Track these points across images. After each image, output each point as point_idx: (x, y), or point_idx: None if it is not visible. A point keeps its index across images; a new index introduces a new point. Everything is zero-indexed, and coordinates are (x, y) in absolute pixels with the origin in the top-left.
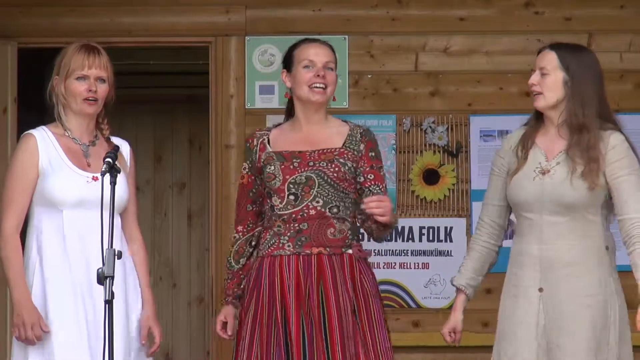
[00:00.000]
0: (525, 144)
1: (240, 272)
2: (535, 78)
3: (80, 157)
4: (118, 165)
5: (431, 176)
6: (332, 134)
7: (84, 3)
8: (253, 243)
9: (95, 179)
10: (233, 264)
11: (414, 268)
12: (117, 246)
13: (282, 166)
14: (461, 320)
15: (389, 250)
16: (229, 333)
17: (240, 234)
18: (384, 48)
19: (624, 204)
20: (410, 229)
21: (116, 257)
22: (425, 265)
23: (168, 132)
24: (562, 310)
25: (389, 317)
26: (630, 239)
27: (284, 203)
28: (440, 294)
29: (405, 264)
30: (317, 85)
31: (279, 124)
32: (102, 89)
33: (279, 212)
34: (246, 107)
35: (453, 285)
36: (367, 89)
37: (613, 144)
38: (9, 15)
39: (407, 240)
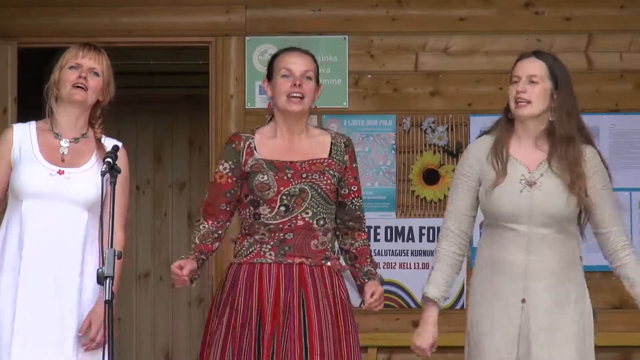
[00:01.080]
0: (500, 154)
1: (202, 247)
2: (524, 86)
3: (55, 151)
4: (118, 165)
5: (431, 176)
6: (315, 144)
7: (84, 3)
8: (216, 236)
9: (60, 172)
10: (197, 241)
11: (414, 268)
12: (81, 249)
13: (276, 177)
14: (437, 333)
15: (389, 250)
16: (185, 274)
17: (210, 225)
18: (384, 48)
19: (605, 217)
20: (410, 229)
21: (116, 257)
22: (425, 265)
23: (168, 132)
24: (545, 320)
25: (389, 317)
26: (617, 252)
27: (273, 213)
28: None
29: (405, 264)
30: (294, 94)
31: (258, 128)
32: (95, 81)
33: (265, 221)
34: (246, 107)
35: (427, 297)
36: (367, 89)
37: (588, 158)
38: (9, 15)
39: (407, 240)
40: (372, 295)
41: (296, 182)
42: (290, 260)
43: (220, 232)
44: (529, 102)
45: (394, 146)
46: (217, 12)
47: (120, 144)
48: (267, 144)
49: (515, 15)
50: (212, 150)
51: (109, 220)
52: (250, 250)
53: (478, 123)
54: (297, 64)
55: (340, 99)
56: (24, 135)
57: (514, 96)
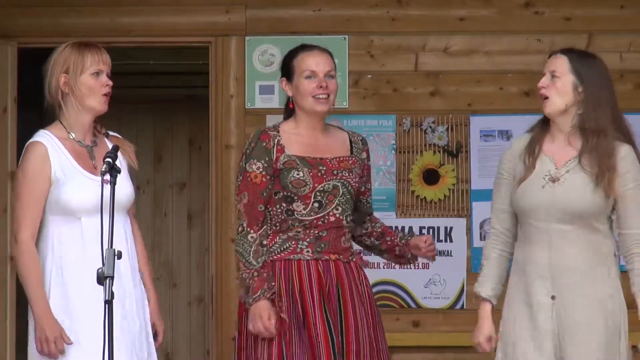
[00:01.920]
0: (532, 150)
1: (263, 270)
2: (545, 81)
3: (87, 160)
4: (118, 165)
5: (431, 176)
6: (337, 141)
7: (84, 3)
8: (263, 246)
9: (105, 182)
10: (254, 262)
11: (414, 268)
12: (125, 247)
13: (311, 173)
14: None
15: None
16: (273, 326)
17: (256, 234)
18: (384, 48)
19: (627, 218)
20: (410, 229)
21: (116, 257)
22: (425, 265)
23: (168, 132)
24: (575, 317)
25: (389, 317)
26: (632, 256)
27: (307, 210)
28: (440, 294)
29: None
30: (321, 95)
31: (281, 123)
32: (111, 85)
33: (300, 218)
34: (246, 107)
35: (480, 296)
36: (367, 89)
37: (622, 155)
38: (9, 15)
39: None
40: (425, 242)
41: (329, 178)
42: (326, 257)
43: (263, 238)
44: (546, 97)
45: (394, 146)
46: (217, 12)
47: (119, 137)
48: (294, 141)
49: (515, 15)
50: (212, 150)
51: (109, 221)
52: (285, 247)
53: (478, 123)
54: (320, 65)
55: (340, 99)
56: (55, 149)
57: (539, 92)
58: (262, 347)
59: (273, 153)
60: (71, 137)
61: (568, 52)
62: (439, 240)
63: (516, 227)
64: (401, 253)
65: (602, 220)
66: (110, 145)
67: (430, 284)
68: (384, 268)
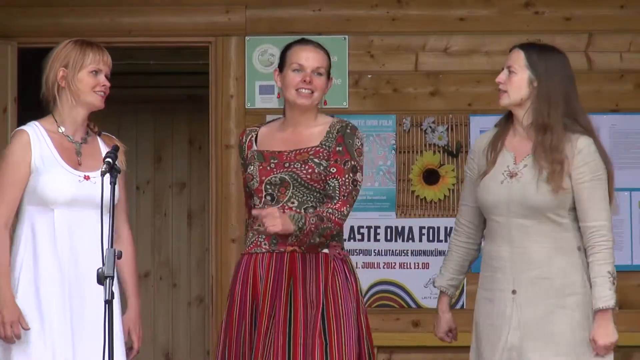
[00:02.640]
0: (495, 146)
1: None
2: (502, 76)
3: (72, 155)
4: (118, 165)
5: (431, 176)
6: (314, 133)
7: (84, 3)
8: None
9: (87, 178)
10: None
11: (414, 268)
12: (91, 246)
13: (260, 167)
14: (452, 319)
15: (389, 250)
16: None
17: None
18: (384, 48)
19: (586, 210)
20: (410, 229)
21: (116, 257)
22: (425, 265)
23: (168, 132)
24: (536, 311)
25: (389, 317)
26: (591, 248)
27: (261, 203)
28: None
29: (405, 264)
30: (304, 90)
31: (271, 121)
32: (108, 87)
33: (252, 216)
34: (246, 107)
35: (435, 287)
36: (367, 89)
37: (580, 148)
38: (9, 15)
39: (407, 240)
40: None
41: (278, 171)
42: (282, 249)
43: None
44: (505, 91)
45: (394, 146)
46: (217, 12)
47: (112, 136)
48: (270, 136)
49: (515, 15)
50: (212, 150)
51: (109, 221)
52: (252, 241)
53: (478, 123)
54: (309, 60)
55: (340, 99)
56: (39, 139)
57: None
58: (219, 338)
59: (245, 150)
60: (60, 131)
61: (526, 46)
62: (439, 240)
63: (481, 219)
64: None
65: (563, 214)
66: (102, 145)
67: (430, 283)
68: (383, 268)
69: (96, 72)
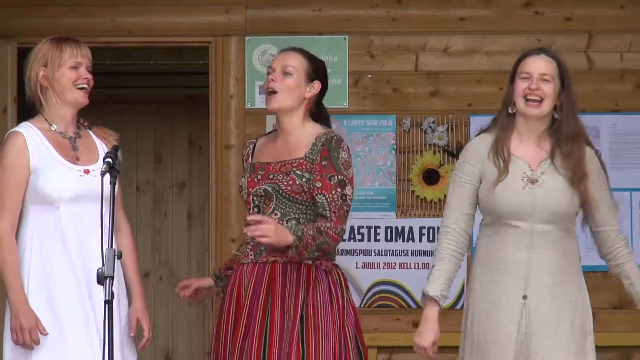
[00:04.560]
0: (501, 152)
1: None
2: (537, 84)
3: (69, 150)
4: (118, 165)
5: (431, 176)
6: (301, 145)
7: (84, 3)
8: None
9: (86, 171)
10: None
11: (414, 268)
12: (100, 237)
13: (249, 179)
14: (439, 332)
15: (389, 250)
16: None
17: None
18: (384, 48)
19: (605, 215)
20: (410, 229)
21: (116, 257)
22: (425, 265)
23: (168, 132)
24: (545, 317)
25: (389, 317)
26: (617, 250)
27: (250, 215)
28: None
29: (405, 264)
30: (268, 90)
31: (271, 132)
32: (91, 79)
33: (247, 223)
34: (246, 107)
35: (428, 296)
36: (367, 89)
37: (588, 159)
38: (9, 15)
39: (407, 240)
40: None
41: (263, 182)
42: (265, 259)
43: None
44: (541, 100)
45: (394, 146)
46: (217, 12)
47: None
48: (265, 147)
49: (515, 15)
50: (212, 150)
51: (109, 221)
52: (243, 251)
53: (478, 123)
54: (279, 60)
55: (340, 99)
56: (34, 138)
57: (523, 93)
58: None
59: (244, 162)
60: (53, 129)
61: (550, 53)
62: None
63: (471, 228)
64: None
65: (573, 222)
66: (95, 138)
67: None
68: (383, 268)
69: (76, 67)
